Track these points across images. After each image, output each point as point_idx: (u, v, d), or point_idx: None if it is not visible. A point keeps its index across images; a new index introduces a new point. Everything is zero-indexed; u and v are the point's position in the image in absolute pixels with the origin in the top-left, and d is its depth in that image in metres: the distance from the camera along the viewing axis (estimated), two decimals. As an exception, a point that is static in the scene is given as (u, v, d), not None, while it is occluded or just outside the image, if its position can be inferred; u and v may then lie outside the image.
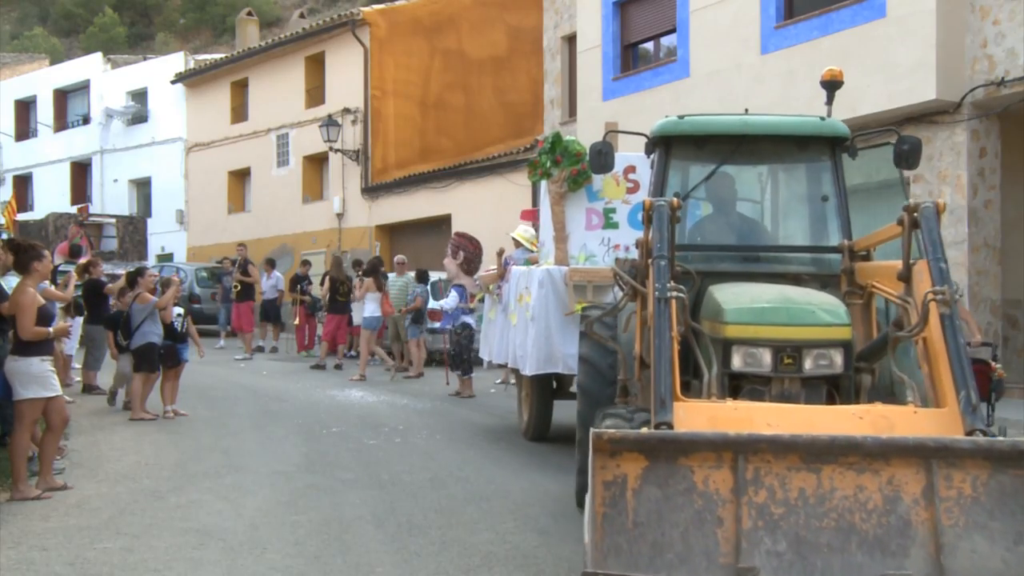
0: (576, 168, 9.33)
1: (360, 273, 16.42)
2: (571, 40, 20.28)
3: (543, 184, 9.66)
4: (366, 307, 15.61)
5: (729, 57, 15.33)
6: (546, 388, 9.93)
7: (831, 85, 6.63)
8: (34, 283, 7.49)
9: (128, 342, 11.06)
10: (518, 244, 11.45)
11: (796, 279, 6.01)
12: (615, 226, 9.54)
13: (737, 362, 5.03)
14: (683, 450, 3.93)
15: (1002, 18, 12.22)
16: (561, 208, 9.49)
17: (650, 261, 4.90)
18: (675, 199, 4.94)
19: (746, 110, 6.70)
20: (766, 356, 4.97)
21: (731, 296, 5.29)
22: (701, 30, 16.09)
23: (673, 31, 16.99)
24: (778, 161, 6.74)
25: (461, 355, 13.21)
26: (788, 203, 6.83)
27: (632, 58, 18.35)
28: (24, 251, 7.57)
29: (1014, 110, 12.42)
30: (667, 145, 6.42)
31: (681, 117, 6.41)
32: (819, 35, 13.88)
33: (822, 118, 6.39)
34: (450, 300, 13.34)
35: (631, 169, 9.45)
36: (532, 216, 11.82)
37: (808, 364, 4.97)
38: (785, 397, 4.96)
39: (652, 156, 6.64)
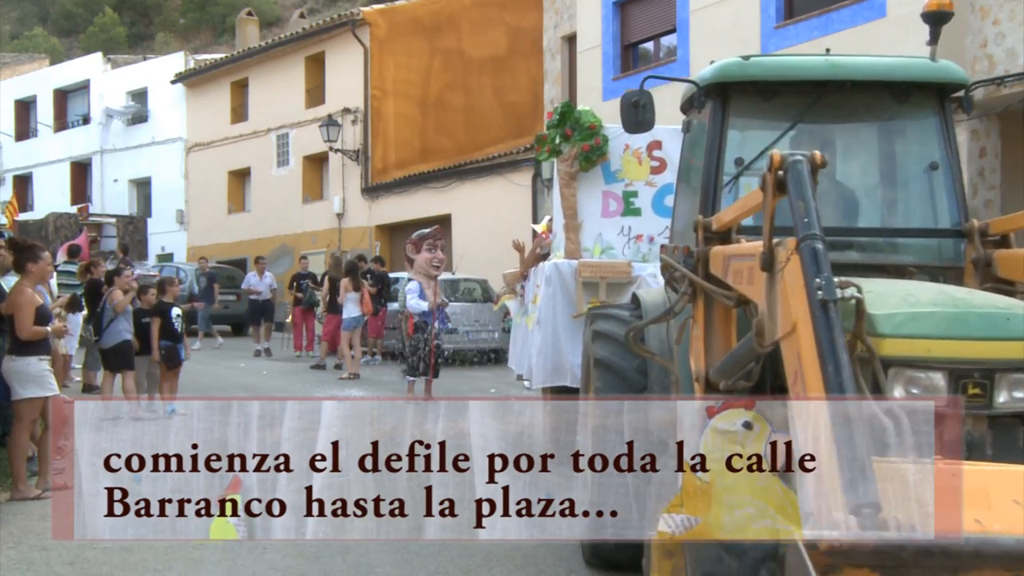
0: (588, 143, 7.86)
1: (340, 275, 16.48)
2: (571, 40, 20.30)
3: (554, 165, 8.32)
4: (345, 307, 15.77)
5: (729, 57, 15.35)
6: None
7: (937, 18, 5.27)
8: (32, 283, 7.51)
9: (98, 338, 11.03)
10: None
11: (899, 271, 4.60)
12: (637, 213, 8.05)
13: (898, 391, 3.45)
14: (956, 565, 2.34)
15: (1002, 18, 12.23)
16: (572, 191, 8.02)
17: (776, 244, 3.31)
18: (818, 153, 3.34)
19: (827, 50, 5.27)
20: (940, 382, 3.43)
21: (871, 296, 3.57)
22: (701, 30, 16.10)
23: (673, 31, 17.01)
24: (871, 117, 5.17)
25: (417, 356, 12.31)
26: (884, 173, 5.26)
27: (632, 58, 18.37)
28: (22, 251, 7.60)
29: (1014, 110, 12.42)
30: (724, 96, 4.89)
31: (745, 58, 4.99)
32: (819, 35, 13.89)
33: (931, 59, 5.00)
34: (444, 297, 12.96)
35: (656, 145, 7.96)
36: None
37: (1002, 396, 3.44)
38: (967, 444, 3.43)
39: (688, 119, 5.40)
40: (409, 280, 12.58)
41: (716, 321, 4.33)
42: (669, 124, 6.56)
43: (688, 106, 5.33)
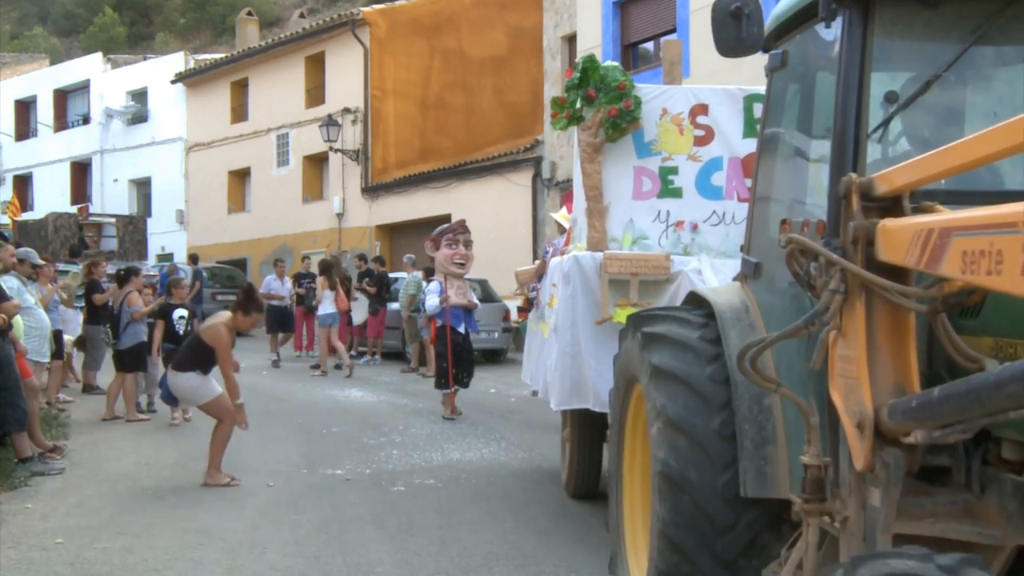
0: (616, 107, 6.42)
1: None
2: (571, 40, 20.29)
3: (572, 138, 6.89)
4: (322, 305, 15.94)
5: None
6: (593, 426, 6.96)
7: None
8: (232, 328, 7.92)
9: (116, 341, 10.91)
10: (561, 229, 8.25)
11: None
12: (676, 193, 6.54)
13: None
14: None
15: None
16: (596, 167, 6.57)
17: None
18: None
19: None
20: None
21: None
22: (701, 30, 16.09)
23: (673, 31, 17.01)
24: None
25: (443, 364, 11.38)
26: None
27: (632, 58, 18.37)
28: (248, 300, 8.08)
29: (1014, 110, 12.39)
30: (866, 3, 3.33)
31: None
32: (819, 35, 13.89)
33: None
34: (475, 298, 11.98)
35: (701, 109, 6.56)
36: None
37: None
38: None
39: (782, 51, 3.91)
40: (431, 280, 11.69)
41: (882, 334, 2.94)
42: (715, 83, 5.92)
43: (785, 31, 3.91)
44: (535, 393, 7.84)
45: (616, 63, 6.81)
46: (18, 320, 8.80)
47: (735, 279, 4.52)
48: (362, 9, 27.20)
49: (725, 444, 3.71)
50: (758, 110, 6.30)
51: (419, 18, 26.81)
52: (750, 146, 6.29)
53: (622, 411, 4.66)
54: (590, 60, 6.66)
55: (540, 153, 21.51)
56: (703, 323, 4.07)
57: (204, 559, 5.73)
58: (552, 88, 21.39)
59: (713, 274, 6.13)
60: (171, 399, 8.34)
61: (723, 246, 6.47)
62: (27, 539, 6.10)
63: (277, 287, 18.00)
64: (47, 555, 5.76)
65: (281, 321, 17.83)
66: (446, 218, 22.78)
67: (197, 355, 7.86)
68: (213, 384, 7.93)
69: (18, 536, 6.15)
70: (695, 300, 4.44)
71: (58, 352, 11.23)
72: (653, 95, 6.59)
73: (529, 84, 25.91)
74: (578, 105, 6.60)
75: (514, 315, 17.14)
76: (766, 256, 3.97)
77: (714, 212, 6.51)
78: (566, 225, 7.91)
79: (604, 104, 6.46)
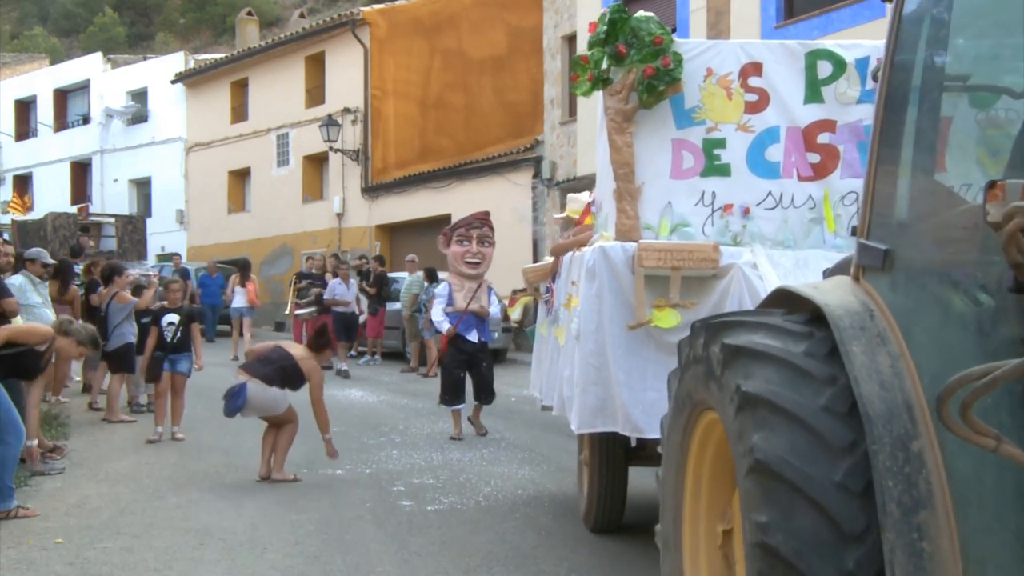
0: (653, 65, 5.30)
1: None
2: (571, 40, 20.30)
3: (599, 103, 5.76)
4: (235, 299, 17.93)
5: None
6: (615, 450, 5.95)
7: None
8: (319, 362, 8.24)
9: (105, 343, 10.36)
10: (570, 223, 7.25)
11: None
12: (724, 171, 5.50)
13: None
14: None
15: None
16: (627, 140, 5.47)
17: None
18: None
19: None
20: None
21: None
22: (701, 30, 16.09)
23: (673, 31, 16.99)
24: None
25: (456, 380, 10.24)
26: None
27: (632, 58, 18.37)
28: (320, 336, 8.43)
29: (1015, 110, 12.37)
30: None
31: None
32: (819, 35, 13.89)
33: None
34: (496, 305, 10.68)
35: (753, 68, 5.48)
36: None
37: None
38: None
39: None
40: (438, 282, 10.54)
41: None
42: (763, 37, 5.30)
43: None
44: (545, 408, 6.81)
45: (651, 14, 5.58)
46: (18, 320, 8.79)
47: (830, 273, 3.47)
48: (362, 9, 27.18)
49: (855, 505, 2.46)
50: (823, 69, 5.48)
51: (419, 18, 26.81)
52: (812, 113, 5.50)
53: (683, 444, 3.45)
54: (618, 10, 5.48)
55: (540, 153, 21.51)
56: (806, 332, 2.87)
57: (204, 559, 5.73)
58: (552, 88, 21.39)
59: (771, 268, 5.09)
60: (235, 411, 7.85)
61: (780, 234, 5.47)
62: (27, 539, 6.10)
63: (342, 291, 16.09)
64: (47, 555, 5.75)
65: (347, 328, 16.01)
66: (446, 218, 22.81)
67: (288, 377, 7.98)
68: (287, 395, 8.09)
69: (18, 536, 6.15)
70: (783, 301, 3.22)
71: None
72: (696, 52, 5.55)
73: (529, 84, 25.90)
74: (604, 65, 5.47)
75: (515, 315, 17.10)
76: (902, 240, 2.80)
77: (769, 193, 5.49)
78: (575, 217, 6.93)
79: (637, 62, 5.34)
